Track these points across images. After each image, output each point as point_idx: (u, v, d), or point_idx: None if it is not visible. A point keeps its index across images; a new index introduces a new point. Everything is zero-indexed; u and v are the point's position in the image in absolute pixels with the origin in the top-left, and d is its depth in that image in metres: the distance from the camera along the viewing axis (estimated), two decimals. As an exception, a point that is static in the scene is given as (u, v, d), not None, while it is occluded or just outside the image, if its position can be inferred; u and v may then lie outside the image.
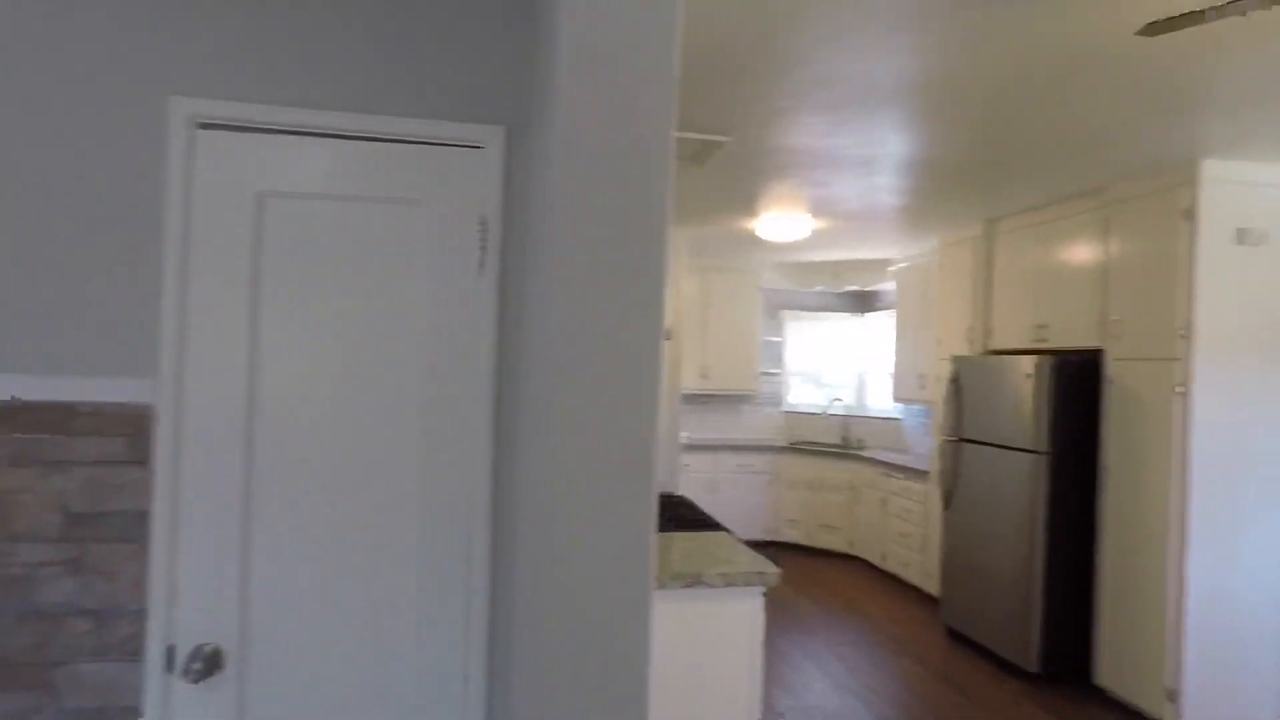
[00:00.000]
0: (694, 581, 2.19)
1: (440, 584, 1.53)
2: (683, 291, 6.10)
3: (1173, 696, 3.27)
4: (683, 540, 2.62)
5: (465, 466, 1.56)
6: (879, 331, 7.01)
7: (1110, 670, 3.61)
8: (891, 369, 6.14)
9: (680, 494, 3.83)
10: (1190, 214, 3.27)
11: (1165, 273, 3.38)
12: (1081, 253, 3.93)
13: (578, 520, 0.77)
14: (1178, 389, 3.29)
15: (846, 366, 7.42)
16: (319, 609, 1.47)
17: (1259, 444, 3.32)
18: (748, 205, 4.59)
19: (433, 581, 1.52)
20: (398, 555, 1.51)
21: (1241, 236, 3.27)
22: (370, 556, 1.50)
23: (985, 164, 3.50)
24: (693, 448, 6.63)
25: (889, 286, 6.49)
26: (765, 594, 2.29)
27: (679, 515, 3.12)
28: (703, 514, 3.17)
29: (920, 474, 5.30)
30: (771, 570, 2.26)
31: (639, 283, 0.80)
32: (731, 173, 3.78)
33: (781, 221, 4.89)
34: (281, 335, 1.48)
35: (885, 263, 6.36)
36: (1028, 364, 3.88)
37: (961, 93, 2.59)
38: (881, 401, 6.84)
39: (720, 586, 2.22)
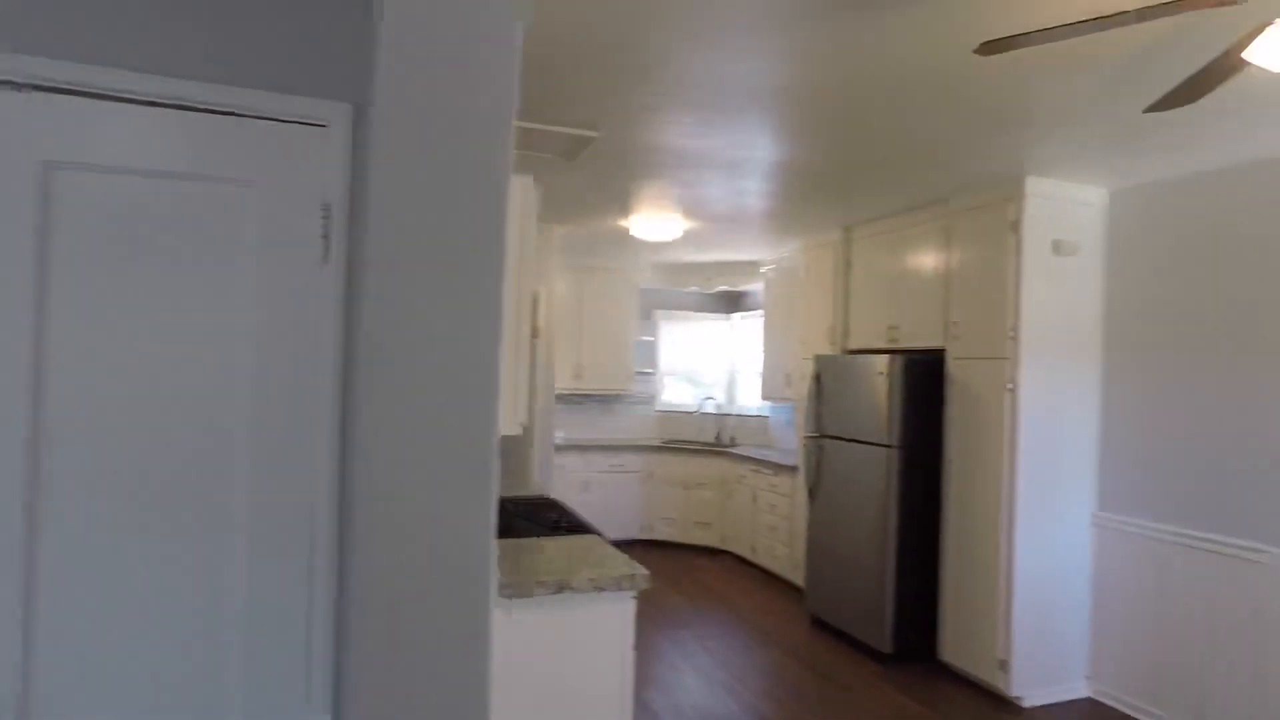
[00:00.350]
0: (562, 587, 2.12)
1: (278, 600, 1.38)
2: (557, 291, 6.00)
3: (1004, 666, 3.57)
4: (552, 545, 2.55)
5: (307, 474, 1.41)
6: (749, 331, 7.24)
7: (953, 646, 3.90)
8: (760, 368, 6.36)
9: (552, 496, 3.75)
10: (1016, 226, 3.59)
11: (996, 279, 3.69)
12: (926, 260, 4.23)
13: (408, 524, 0.68)
14: (1008, 386, 3.60)
15: (718, 366, 7.61)
16: (125, 641, 1.28)
17: (1071, 433, 3.70)
18: (621, 204, 4.58)
19: (269, 599, 1.37)
20: (223, 569, 1.34)
21: (1057, 248, 3.63)
22: (190, 574, 1.32)
23: (842, 172, 3.67)
24: (567, 448, 6.56)
25: (758, 288, 6.72)
26: (636, 596, 2.27)
27: (549, 518, 3.05)
28: (574, 516, 3.11)
29: (788, 469, 5.52)
30: (641, 572, 2.24)
31: (475, 276, 0.73)
32: (604, 170, 3.75)
33: (654, 221, 4.93)
34: (77, 330, 1.27)
35: (755, 264, 6.58)
36: (880, 363, 4.12)
37: (818, 102, 2.69)
38: (752, 400, 7.07)
39: (589, 591, 2.17)
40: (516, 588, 2.07)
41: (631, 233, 5.18)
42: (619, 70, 2.46)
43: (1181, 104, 1.89)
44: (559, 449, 6.50)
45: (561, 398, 7.08)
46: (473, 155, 0.73)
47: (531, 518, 3.06)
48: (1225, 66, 1.69)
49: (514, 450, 6.44)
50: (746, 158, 3.45)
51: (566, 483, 6.49)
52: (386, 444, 0.66)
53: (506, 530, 2.79)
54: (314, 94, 1.44)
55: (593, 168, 3.70)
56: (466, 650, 0.66)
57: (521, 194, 2.16)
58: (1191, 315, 3.34)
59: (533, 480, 5.28)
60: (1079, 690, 3.69)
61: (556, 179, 3.98)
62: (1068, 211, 3.67)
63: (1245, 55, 1.50)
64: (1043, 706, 3.58)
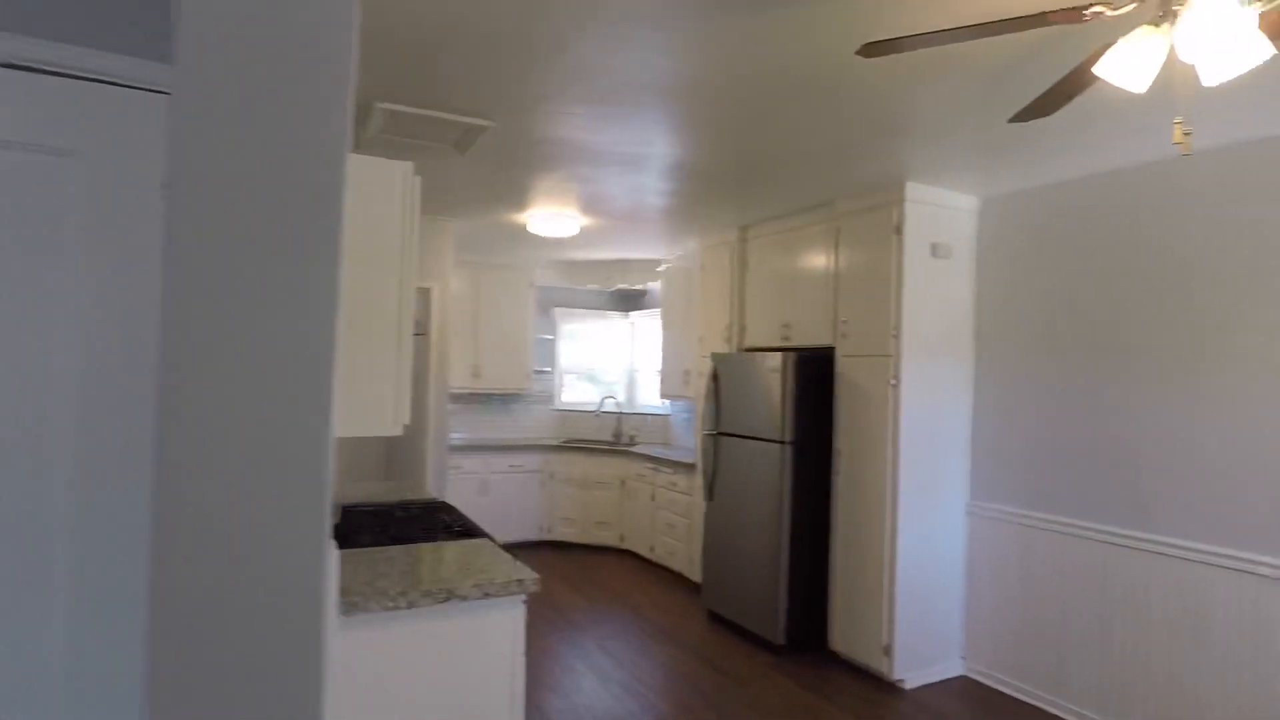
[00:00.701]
0: (447, 596, 2.02)
1: (103, 621, 1.22)
2: (452, 288, 5.80)
3: (888, 651, 3.73)
4: (440, 550, 2.44)
5: (138, 483, 1.26)
6: (648, 330, 7.27)
7: (842, 635, 4.04)
8: (659, 366, 6.39)
9: (444, 499, 3.60)
10: (899, 229, 3.75)
11: (881, 280, 3.85)
12: (817, 260, 4.36)
13: (213, 538, 0.60)
14: (891, 382, 3.76)
15: (618, 364, 7.60)
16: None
17: (947, 426, 3.91)
18: (518, 199, 4.47)
19: (93, 625, 1.21)
20: (35, 586, 1.18)
21: (935, 251, 3.83)
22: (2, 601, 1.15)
23: (737, 173, 3.72)
24: (465, 449, 6.36)
25: (657, 286, 6.75)
26: (526, 600, 2.20)
27: (441, 522, 2.92)
28: (465, 520, 2.99)
29: (686, 467, 5.56)
30: (530, 577, 2.17)
31: (302, 265, 0.64)
32: (498, 163, 3.64)
33: (551, 217, 4.84)
34: None
35: (654, 263, 6.60)
36: (774, 360, 4.22)
37: (712, 100, 2.70)
38: (651, 398, 7.10)
39: (477, 599, 2.08)
40: (399, 598, 1.95)
41: (529, 229, 5.08)
42: (510, 57, 2.38)
43: (1041, 115, 2.01)
44: (456, 450, 6.30)
45: (458, 397, 6.87)
46: (298, 131, 0.64)
47: (422, 522, 2.92)
48: (1078, 81, 1.80)
49: (407, 453, 6.17)
50: (644, 154, 3.43)
51: (464, 484, 6.30)
52: (194, 447, 0.57)
53: (397, 537, 2.65)
54: (155, 57, 1.28)
55: (487, 159, 3.59)
56: (289, 679, 0.58)
57: (401, 181, 2.04)
58: (1050, 317, 3.61)
59: (426, 483, 5.08)
60: (954, 669, 3.91)
61: (451, 170, 3.83)
62: (944, 217, 3.88)
63: (1095, 70, 1.60)
64: (923, 687, 3.77)
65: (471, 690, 2.08)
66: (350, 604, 1.90)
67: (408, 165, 2.06)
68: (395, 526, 2.83)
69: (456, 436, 6.83)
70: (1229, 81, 2.26)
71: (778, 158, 3.42)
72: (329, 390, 0.66)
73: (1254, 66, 1.49)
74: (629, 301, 7.62)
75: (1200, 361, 3.04)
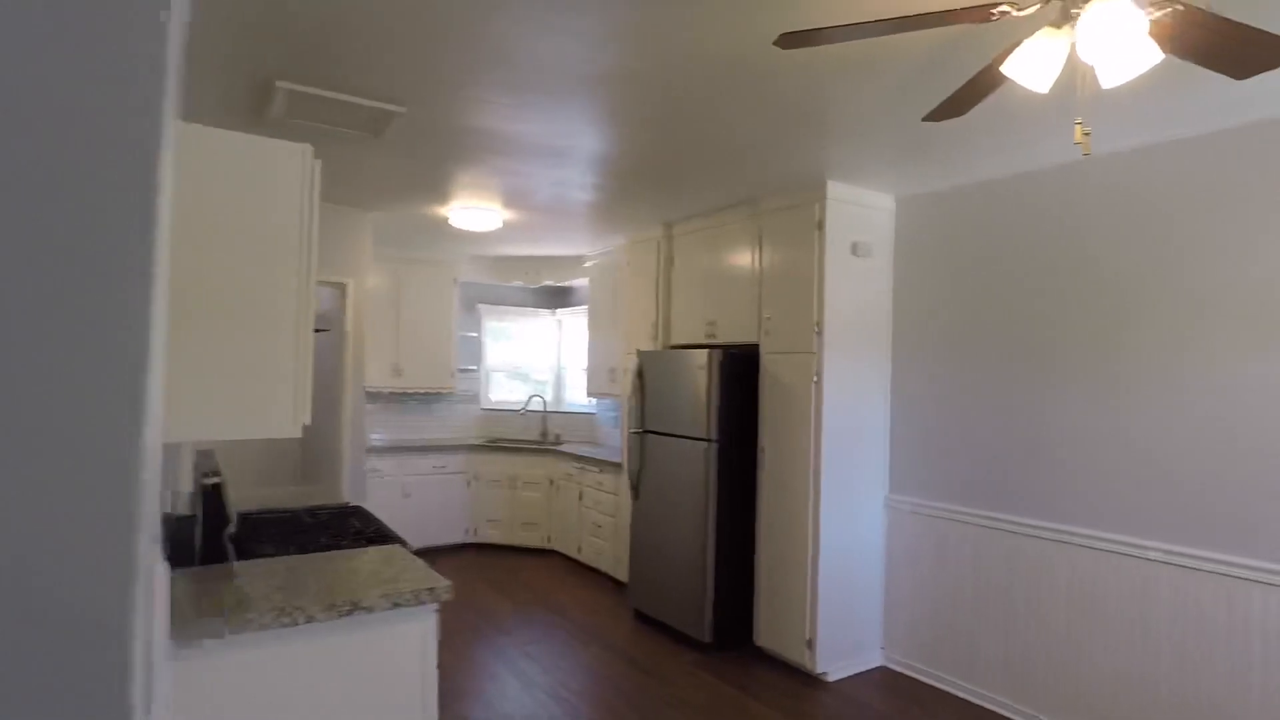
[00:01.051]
0: (351, 608, 1.90)
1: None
2: (369, 283, 5.57)
3: (810, 645, 3.78)
4: (348, 560, 2.30)
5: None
6: (575, 327, 7.18)
7: (767, 631, 4.07)
8: (586, 364, 6.31)
9: (358, 504, 3.44)
10: (820, 227, 3.80)
11: (803, 278, 3.89)
12: (741, 257, 4.38)
13: None
14: (814, 379, 3.81)
15: (545, 362, 7.48)
16: None
17: (868, 422, 3.99)
18: (438, 191, 4.31)
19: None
20: None
21: (855, 249, 3.90)
22: None
23: (662, 167, 3.69)
24: (386, 450, 6.13)
25: (584, 283, 6.67)
26: (439, 609, 2.09)
27: (352, 529, 2.77)
28: (378, 525, 2.85)
29: (613, 466, 5.51)
30: (443, 585, 2.07)
31: (102, 251, 0.54)
32: (416, 152, 3.49)
33: (473, 211, 4.70)
34: None
35: (580, 259, 6.52)
36: (700, 358, 4.21)
37: (636, 89, 2.65)
38: (578, 396, 7.02)
39: (385, 610, 1.96)
40: (295, 613, 1.82)
41: (451, 222, 4.92)
42: (421, 37, 2.26)
43: (953, 115, 2.04)
44: (376, 452, 6.06)
45: (378, 397, 6.62)
46: (91, 69, 0.55)
47: (332, 529, 2.77)
48: (988, 80, 1.83)
49: (323, 456, 5.90)
50: (567, 147, 3.36)
51: (385, 487, 6.06)
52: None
53: (303, 545, 2.49)
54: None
55: (404, 149, 3.43)
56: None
57: (299, 166, 1.91)
58: (963, 315, 3.72)
59: (343, 487, 4.86)
60: (874, 660, 4.00)
61: (367, 160, 3.66)
62: (864, 215, 3.96)
63: (1002, 69, 1.62)
64: (844, 679, 3.83)
65: (378, 709, 1.97)
66: (241, 621, 1.76)
67: (306, 148, 1.92)
68: (302, 534, 2.67)
69: (377, 438, 6.58)
70: (1128, 85, 2.37)
71: (702, 152, 3.41)
72: (140, 390, 0.56)
73: (1145, 70, 1.55)
74: (556, 298, 7.51)
75: (1101, 358, 3.19)
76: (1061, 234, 3.35)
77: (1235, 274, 2.79)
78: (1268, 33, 1.64)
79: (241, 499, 3.34)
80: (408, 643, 2.02)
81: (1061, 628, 3.25)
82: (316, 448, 6.16)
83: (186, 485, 2.42)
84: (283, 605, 1.82)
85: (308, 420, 2.01)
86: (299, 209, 1.92)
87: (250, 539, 2.55)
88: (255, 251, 1.81)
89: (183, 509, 2.26)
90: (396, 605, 1.97)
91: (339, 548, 2.46)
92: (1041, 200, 3.43)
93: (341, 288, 4.79)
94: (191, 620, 1.72)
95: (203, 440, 2.53)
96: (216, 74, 2.60)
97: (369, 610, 1.93)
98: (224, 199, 1.77)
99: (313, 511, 3.09)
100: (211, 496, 2.14)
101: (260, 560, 2.28)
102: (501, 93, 2.70)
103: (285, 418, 1.91)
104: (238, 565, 2.23)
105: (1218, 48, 1.68)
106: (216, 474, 2.19)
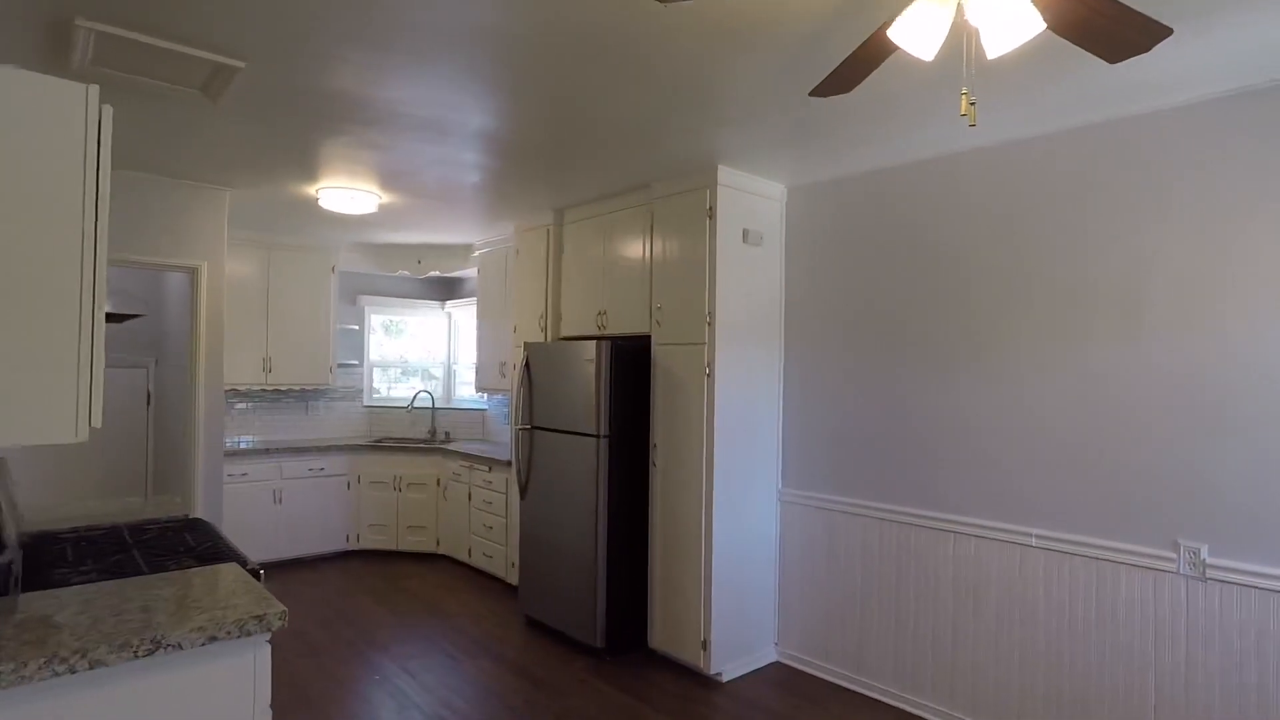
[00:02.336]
0: (154, 648, 1.59)
1: None
2: (228, 268, 5.06)
3: (705, 645, 3.67)
4: (159, 587, 1.96)
5: None
6: (466, 320, 6.83)
7: (661, 633, 3.93)
8: (475, 358, 5.99)
9: (197, 517, 3.03)
10: (712, 214, 3.68)
11: (694, 266, 3.76)
12: (632, 245, 4.22)
13: None
14: (706, 370, 3.69)
15: (434, 357, 7.09)
16: None
17: (761, 415, 3.92)
18: (303, 166, 3.90)
19: None
20: None
21: (746, 237, 3.81)
22: None
23: (549, 147, 3.46)
24: (254, 453, 5.60)
25: (473, 273, 6.34)
26: (270, 639, 1.80)
27: (180, 546, 2.40)
28: (215, 541, 2.49)
29: (503, 464, 5.24)
30: (276, 611, 1.78)
31: None
32: (268, 118, 3.10)
33: (344, 192, 4.31)
34: None
35: (468, 248, 6.19)
36: (589, 349, 4.02)
37: (513, 57, 2.42)
38: (470, 392, 6.68)
39: (199, 646, 1.66)
40: (74, 658, 1.49)
41: (321, 204, 4.50)
42: (248, -23, 1.94)
43: (842, 89, 1.94)
44: (242, 455, 5.53)
45: (246, 395, 6.05)
46: None
47: (156, 548, 2.39)
48: (874, 49, 1.72)
49: (176, 462, 5.31)
50: (446, 120, 3.07)
51: (252, 494, 5.54)
52: None
53: (115, 569, 2.11)
54: None
55: (255, 114, 3.04)
56: None
57: (80, 111, 1.57)
58: (848, 307, 3.70)
59: (196, 496, 4.35)
60: (769, 656, 3.94)
61: (217, 128, 3.23)
62: (754, 203, 3.87)
63: (890, 34, 1.51)
64: (739, 678, 3.75)
65: (193, 760, 1.66)
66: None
67: (91, 89, 1.59)
68: (116, 556, 2.28)
69: (243, 440, 6.01)
70: (1007, 71, 2.34)
71: (589, 131, 3.21)
72: None
73: (1028, 39, 1.47)
74: (445, 290, 7.13)
75: (977, 350, 3.22)
76: (934, 228, 3.37)
77: (1103, 264, 2.86)
78: (1141, 15, 1.61)
79: (65, 516, 2.87)
80: (230, 684, 1.72)
81: (946, 616, 3.28)
82: (170, 453, 5.55)
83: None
84: (56, 650, 1.49)
85: (97, 423, 1.67)
86: (82, 164, 1.58)
87: (51, 564, 2.15)
88: (16, 213, 1.47)
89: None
90: (214, 639, 1.67)
91: (158, 570, 2.11)
92: (918, 193, 3.43)
93: (192, 272, 4.28)
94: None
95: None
96: (2, 9, 2.17)
97: (177, 648, 1.62)
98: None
99: (139, 528, 2.68)
100: (-23, 518, 1.75)
101: (52, 592, 1.90)
102: (361, 50, 2.40)
103: (63, 421, 1.57)
104: (23, 599, 1.85)
105: (1095, 26, 1.63)
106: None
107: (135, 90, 2.76)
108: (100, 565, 2.17)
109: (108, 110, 1.61)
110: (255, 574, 2.17)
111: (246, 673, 1.75)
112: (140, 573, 2.09)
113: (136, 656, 1.57)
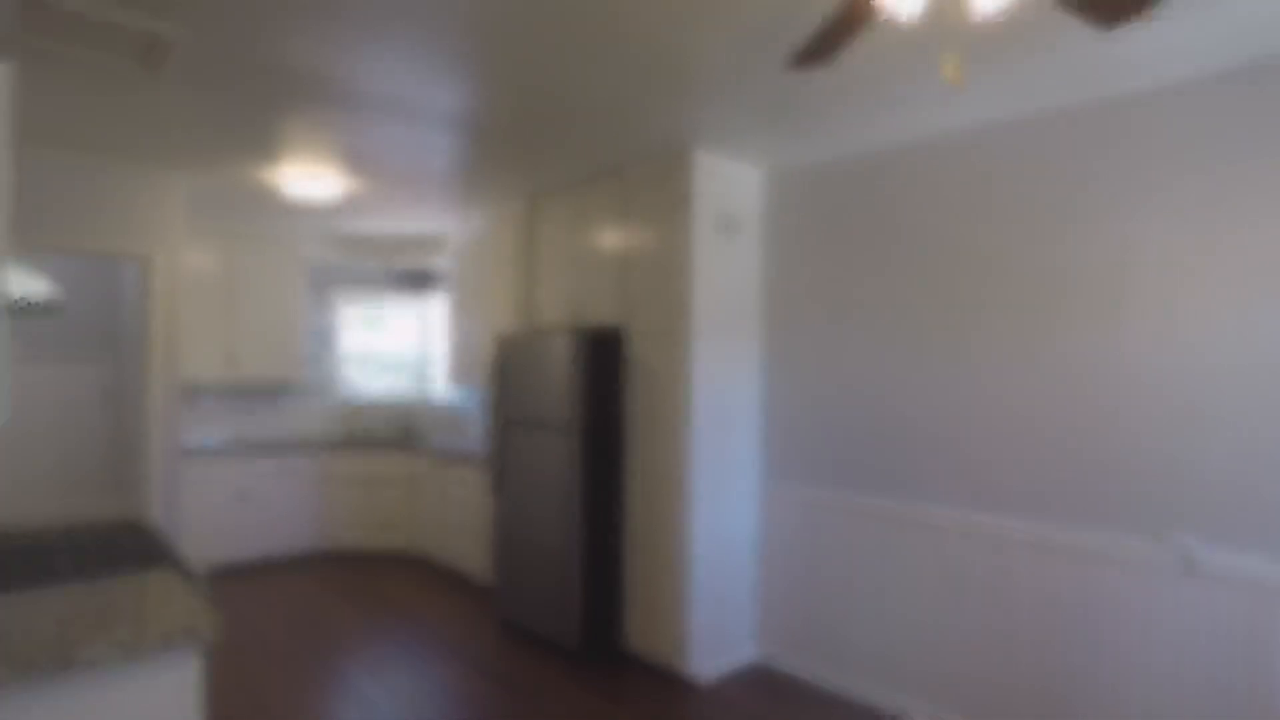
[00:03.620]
0: (64, 665, 1.43)
1: None
2: (186, 259, 4.86)
3: (683, 646, 3.54)
4: (80, 598, 1.79)
5: None
6: (440, 314, 6.65)
7: (638, 634, 3.80)
8: (449, 352, 5.82)
9: (137, 519, 2.84)
10: (687, 201, 3.54)
11: (670, 254, 3.63)
12: (607, 232, 4.07)
13: None
14: (683, 361, 3.55)
15: (407, 351, 6.90)
16: None
17: (740, 407, 3.80)
18: (262, 149, 3.71)
19: None
20: None
21: (723, 225, 3.67)
22: None
23: (520, 128, 3.31)
24: (218, 451, 5.40)
25: (446, 265, 6.16)
26: (201, 652, 1.65)
27: (116, 552, 2.23)
28: (155, 546, 2.32)
29: (477, 461, 5.09)
30: (206, 620, 1.62)
31: None
32: (218, 94, 2.92)
33: (309, 177, 4.13)
34: None
35: (442, 240, 6.01)
36: (563, 341, 3.87)
37: (481, 26, 2.26)
38: (444, 387, 6.51)
39: (115, 663, 1.50)
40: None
41: (284, 189, 4.31)
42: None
43: (820, 59, 1.80)
44: (205, 454, 5.32)
45: (209, 390, 5.84)
46: None
47: (87, 554, 2.22)
48: (854, 12, 1.59)
49: (134, 462, 5.10)
50: (413, 98, 2.91)
51: (215, 494, 5.33)
52: None
53: (31, 578, 1.94)
54: None
55: (203, 89, 2.86)
56: None
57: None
58: (830, 294, 3.58)
59: (152, 497, 4.16)
60: (748, 655, 3.82)
61: (156, 102, 3.03)
62: (732, 189, 3.74)
63: (873, -10, 1.38)
64: (717, 679, 3.63)
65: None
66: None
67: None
68: (37, 563, 2.11)
69: (207, 438, 5.80)
70: (993, 41, 2.22)
71: (561, 110, 3.06)
72: None
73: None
74: (419, 282, 6.94)
75: (959, 340, 3.11)
76: (917, 213, 3.25)
77: (1085, 251, 2.76)
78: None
79: (9, 515, 2.69)
80: (152, 704, 1.56)
81: (928, 610, 3.18)
82: (126, 453, 5.33)
83: None
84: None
85: (4, 419, 1.51)
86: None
87: (-34, 572, 1.98)
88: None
89: None
90: (132, 657, 1.51)
91: (81, 579, 1.94)
92: (899, 178, 3.32)
93: (143, 261, 4.08)
94: None
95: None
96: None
97: (90, 665, 1.46)
98: None
99: (71, 531, 2.51)
100: None
101: (-37, 602, 1.73)
102: (309, 17, 2.23)
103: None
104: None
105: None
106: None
107: (73, 64, 2.57)
108: (23, 573, 2.00)
109: (5, 74, 1.44)
110: (200, 580, 2.01)
111: (172, 691, 1.59)
112: (65, 582, 1.93)
113: (41, 677, 1.41)
